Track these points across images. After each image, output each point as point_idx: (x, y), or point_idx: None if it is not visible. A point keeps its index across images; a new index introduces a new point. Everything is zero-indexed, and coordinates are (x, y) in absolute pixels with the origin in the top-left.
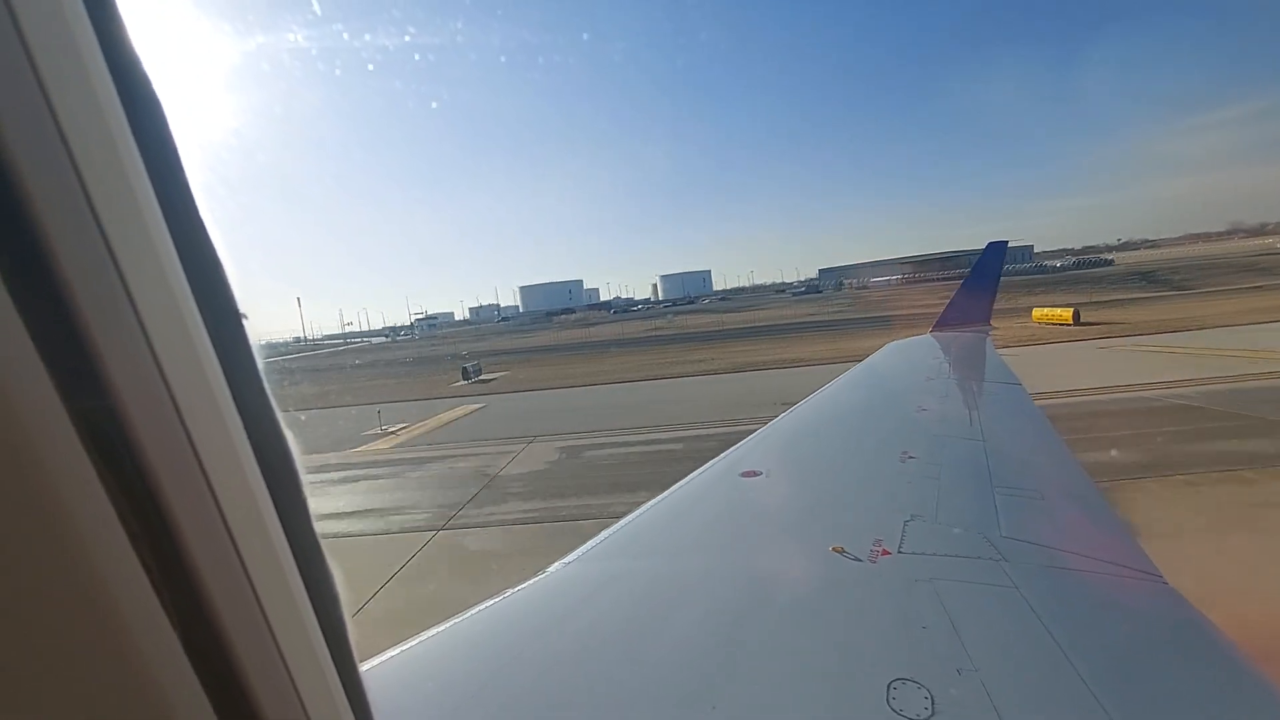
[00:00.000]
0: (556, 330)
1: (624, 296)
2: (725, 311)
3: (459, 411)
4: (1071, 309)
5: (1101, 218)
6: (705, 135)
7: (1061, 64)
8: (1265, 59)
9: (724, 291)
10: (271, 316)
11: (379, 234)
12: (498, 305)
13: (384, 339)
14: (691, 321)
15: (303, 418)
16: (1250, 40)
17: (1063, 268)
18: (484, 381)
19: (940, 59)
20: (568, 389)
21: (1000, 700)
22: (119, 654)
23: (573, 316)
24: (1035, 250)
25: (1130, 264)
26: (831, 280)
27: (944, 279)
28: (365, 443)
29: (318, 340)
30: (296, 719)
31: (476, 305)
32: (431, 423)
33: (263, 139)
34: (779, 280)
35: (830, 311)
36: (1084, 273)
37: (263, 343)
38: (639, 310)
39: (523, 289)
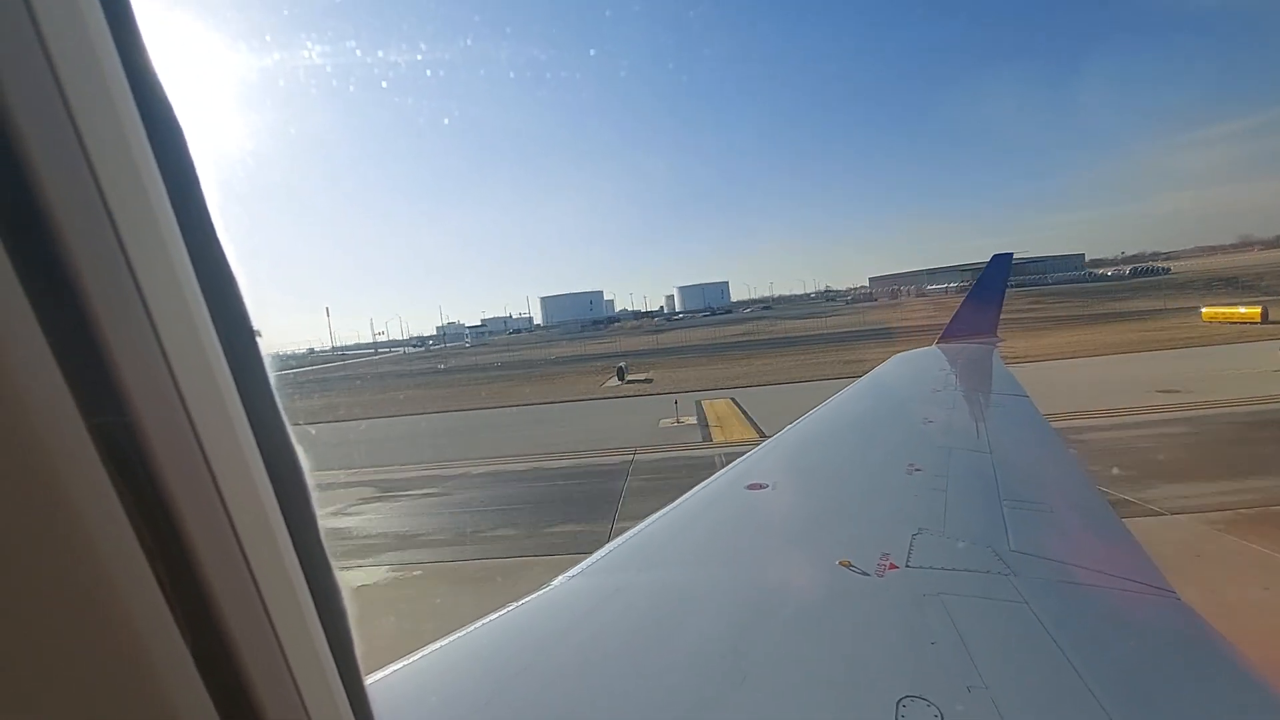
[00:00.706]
0: (624, 337)
1: (629, 309)
2: (788, 319)
3: (722, 405)
4: (1258, 308)
5: (1105, 231)
6: (711, 149)
7: (1063, 80)
8: (1263, 74)
9: (765, 300)
10: (282, 327)
11: (387, 246)
12: (528, 316)
13: (414, 348)
14: (781, 328)
15: (507, 414)
16: (1247, 56)
17: (1114, 276)
18: (640, 382)
19: (945, 75)
20: (772, 386)
21: (1011, 718)
22: (131, 661)
23: (626, 325)
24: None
25: (1193, 272)
26: (885, 288)
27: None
28: (687, 433)
29: (339, 350)
30: None
31: (505, 315)
32: (716, 415)
33: (278, 157)
34: (799, 291)
35: (919, 316)
36: (1145, 280)
37: (299, 351)
38: (681, 320)
39: (544, 299)
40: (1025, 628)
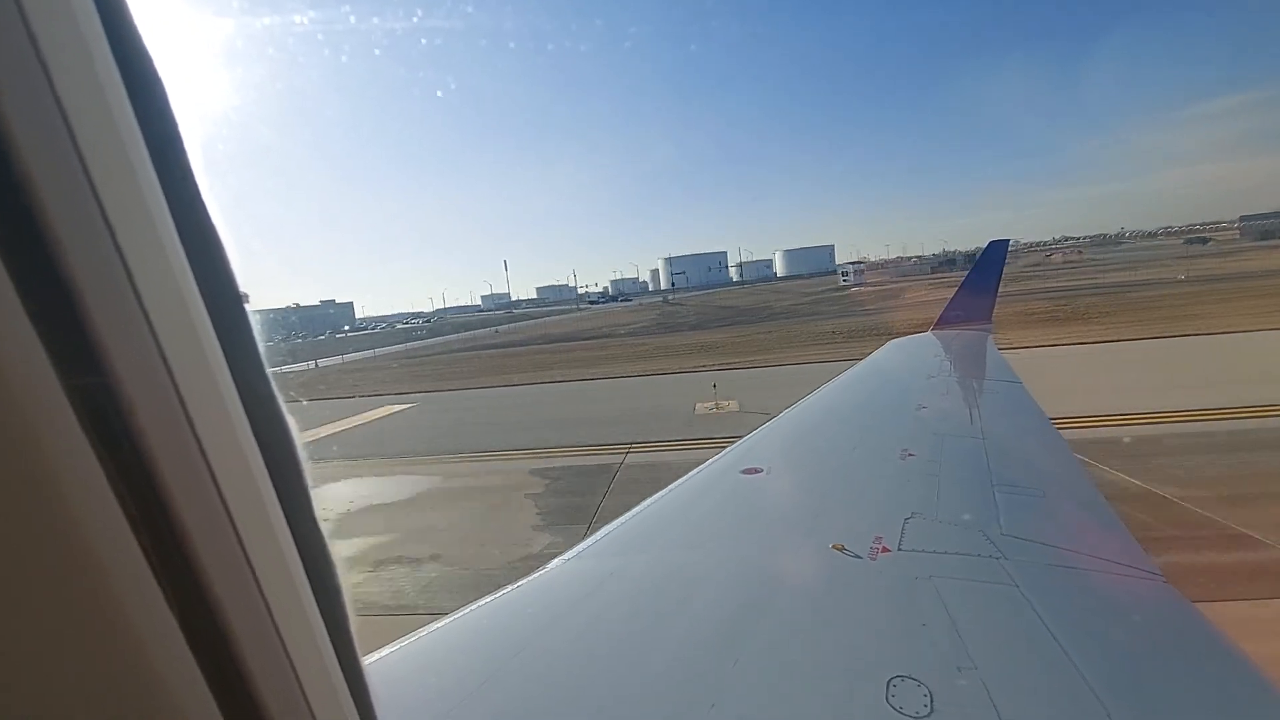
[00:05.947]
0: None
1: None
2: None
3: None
4: None
5: (1102, 208)
6: (729, 125)
7: (1064, 60)
8: (1260, 50)
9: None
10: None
11: (415, 221)
12: (596, 289)
13: (595, 302)
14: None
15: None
16: (1245, 32)
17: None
18: None
19: (930, 58)
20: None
21: (999, 698)
22: (119, 639)
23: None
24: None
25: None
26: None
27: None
28: None
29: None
30: (299, 710)
31: (550, 285)
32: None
33: (279, 123)
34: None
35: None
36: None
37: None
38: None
39: (669, 260)
40: (1015, 610)
